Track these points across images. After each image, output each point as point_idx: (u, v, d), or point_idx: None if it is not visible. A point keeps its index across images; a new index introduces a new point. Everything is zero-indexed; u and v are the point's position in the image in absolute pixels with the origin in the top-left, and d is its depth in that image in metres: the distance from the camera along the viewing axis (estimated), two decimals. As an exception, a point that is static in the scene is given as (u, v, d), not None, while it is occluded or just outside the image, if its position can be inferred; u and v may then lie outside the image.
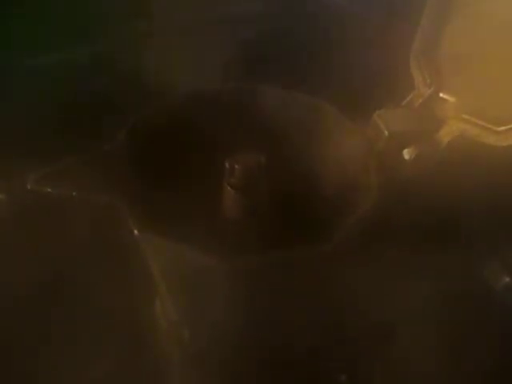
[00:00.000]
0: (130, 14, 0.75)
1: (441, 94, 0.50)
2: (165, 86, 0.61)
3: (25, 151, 0.59)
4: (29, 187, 0.41)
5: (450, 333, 0.54)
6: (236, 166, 0.47)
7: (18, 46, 0.72)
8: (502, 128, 0.48)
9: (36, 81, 0.71)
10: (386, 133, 0.49)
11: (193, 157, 0.51)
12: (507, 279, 0.58)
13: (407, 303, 0.53)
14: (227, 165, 0.47)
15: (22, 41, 0.72)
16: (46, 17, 0.74)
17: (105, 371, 0.51)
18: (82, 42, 0.75)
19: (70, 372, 0.51)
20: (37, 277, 0.55)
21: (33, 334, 0.53)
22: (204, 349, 0.51)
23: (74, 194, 0.40)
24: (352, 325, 0.54)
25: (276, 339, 0.50)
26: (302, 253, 0.43)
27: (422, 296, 0.54)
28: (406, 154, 0.50)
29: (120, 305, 0.53)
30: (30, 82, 0.71)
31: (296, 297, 0.47)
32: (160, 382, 0.52)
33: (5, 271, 0.55)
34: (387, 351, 0.54)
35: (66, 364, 0.51)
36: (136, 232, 0.43)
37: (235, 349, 0.50)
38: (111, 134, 0.48)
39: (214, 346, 0.50)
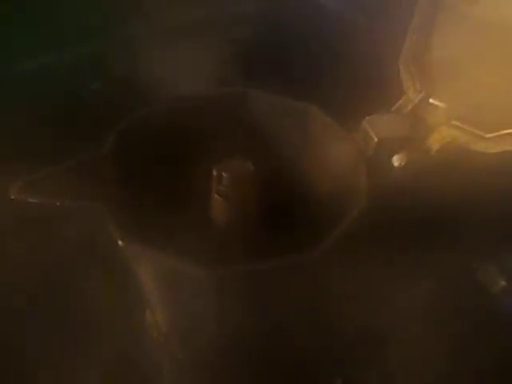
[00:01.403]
0: (129, 14, 0.75)
1: (431, 100, 0.50)
2: (159, 88, 0.61)
3: (13, 154, 0.59)
4: (12, 196, 0.41)
5: (450, 333, 0.54)
6: (224, 174, 0.46)
7: (18, 46, 0.72)
8: (492, 135, 0.47)
9: (36, 81, 0.71)
10: (376, 139, 0.49)
11: (182, 163, 0.51)
12: (503, 283, 0.58)
13: (405, 305, 0.53)
14: (215, 172, 0.46)
15: (21, 41, 0.72)
16: (46, 17, 0.74)
17: (95, 380, 0.51)
18: (81, 42, 0.75)
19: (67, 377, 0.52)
20: (23, 285, 0.55)
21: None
22: (195, 359, 0.51)
23: (58, 203, 0.41)
24: (349, 327, 0.54)
25: (270, 345, 0.50)
26: (294, 259, 0.43)
27: (420, 297, 0.54)
28: (396, 160, 0.49)
29: (109, 315, 0.53)
30: (29, 82, 0.71)
31: (291, 304, 0.47)
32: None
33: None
34: (385, 353, 0.54)
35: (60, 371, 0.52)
36: (123, 241, 0.43)
37: (226, 359, 0.50)
38: (103, 138, 0.48)
39: (204, 356, 0.50)
